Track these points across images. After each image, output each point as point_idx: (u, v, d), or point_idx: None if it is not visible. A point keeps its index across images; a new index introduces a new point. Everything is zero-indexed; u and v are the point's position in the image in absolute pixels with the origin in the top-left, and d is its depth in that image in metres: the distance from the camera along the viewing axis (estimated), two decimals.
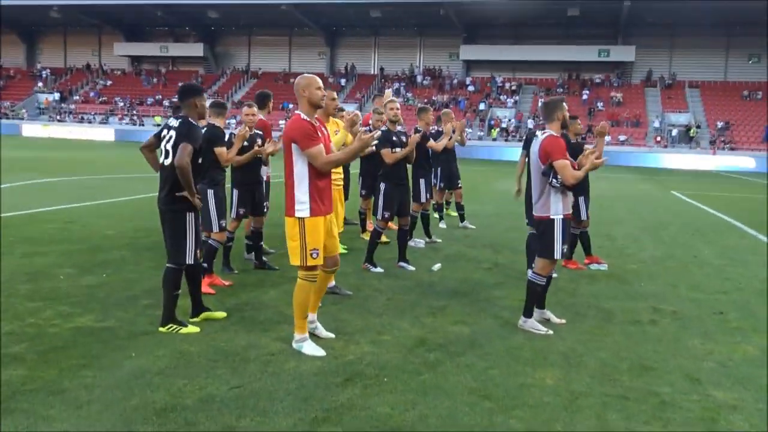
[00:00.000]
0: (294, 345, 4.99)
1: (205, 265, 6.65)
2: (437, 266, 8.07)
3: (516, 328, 5.69)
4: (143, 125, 53.40)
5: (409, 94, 53.84)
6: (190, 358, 4.71)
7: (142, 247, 8.71)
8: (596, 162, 5.55)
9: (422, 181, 9.25)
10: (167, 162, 5.38)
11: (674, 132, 45.60)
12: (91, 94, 60.04)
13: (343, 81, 56.69)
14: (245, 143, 7.17)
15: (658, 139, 45.17)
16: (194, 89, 5.56)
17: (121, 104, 56.99)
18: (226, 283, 6.91)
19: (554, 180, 5.38)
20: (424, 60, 57.87)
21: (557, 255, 5.52)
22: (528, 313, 5.69)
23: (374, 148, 7.67)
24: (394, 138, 7.88)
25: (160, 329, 5.31)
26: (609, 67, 53.24)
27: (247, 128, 7.15)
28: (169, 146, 5.38)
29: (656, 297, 7.02)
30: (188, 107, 5.46)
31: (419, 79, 55.96)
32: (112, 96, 58.43)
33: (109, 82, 61.81)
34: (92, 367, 4.48)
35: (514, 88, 53.82)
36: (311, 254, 4.91)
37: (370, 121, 9.14)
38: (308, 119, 4.94)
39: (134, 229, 10.11)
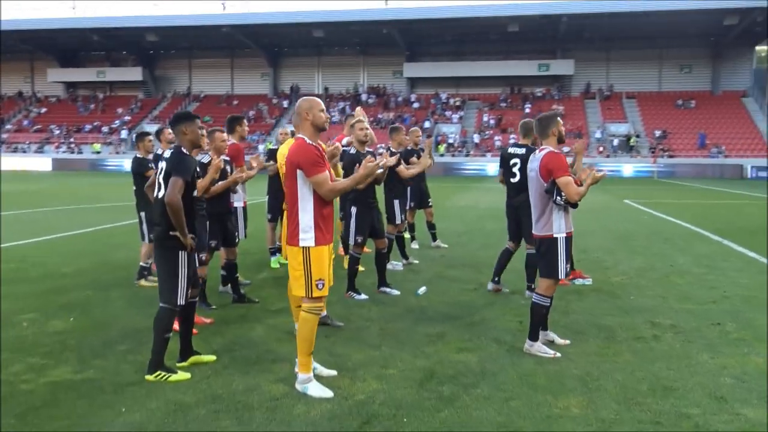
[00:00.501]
0: (298, 386, 4.63)
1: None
2: (423, 289, 7.80)
3: (522, 353, 5.46)
4: (81, 153, 51.68)
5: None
6: (187, 410, 4.29)
7: (107, 285, 8.16)
8: (597, 176, 5.41)
9: (397, 203, 8.98)
10: (160, 195, 5.00)
11: (615, 142, 46.86)
12: (25, 122, 57.83)
13: (286, 102, 56.20)
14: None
15: (601, 149, 46.28)
16: (183, 116, 5.19)
17: (57, 132, 55.04)
18: (207, 321, 6.48)
19: (558, 198, 5.21)
20: (368, 78, 58.04)
21: (561, 274, 5.33)
22: (534, 336, 5.47)
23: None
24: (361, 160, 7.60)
25: (147, 377, 4.85)
26: (549, 80, 54.50)
27: (221, 158, 6.72)
28: (161, 178, 5.00)
29: (650, 310, 6.92)
30: (178, 135, 5.09)
31: (364, 97, 55.98)
32: (47, 124, 56.42)
33: (43, 110, 59.70)
34: (80, 429, 4.02)
35: (458, 103, 54.42)
36: (317, 285, 4.61)
37: (344, 141, 8.83)
38: (313, 144, 4.64)
39: (93, 265, 9.51)
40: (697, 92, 52.02)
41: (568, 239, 5.34)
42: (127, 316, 6.74)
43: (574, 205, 5.28)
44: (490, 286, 7.78)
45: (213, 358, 5.34)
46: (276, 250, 9.53)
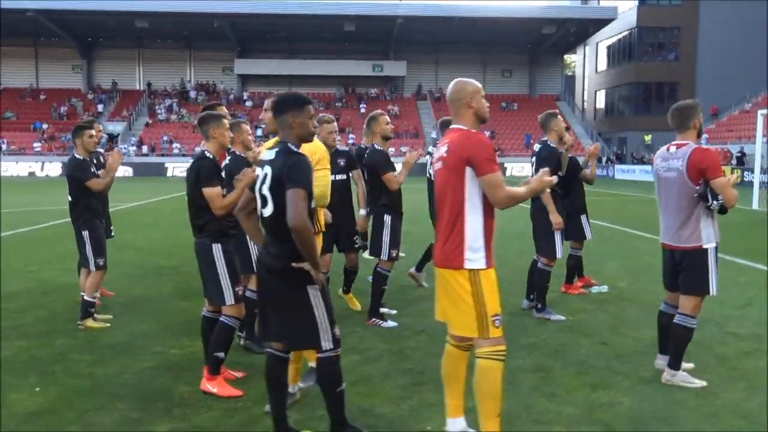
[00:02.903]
0: None
1: (222, 355, 4.56)
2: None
3: (667, 390, 4.57)
4: None
5: (183, 111, 50.28)
6: None
7: (46, 331, 6.06)
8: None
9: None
10: (267, 212, 3.52)
11: None
12: None
13: (103, 98, 51.10)
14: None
15: None
16: (294, 100, 3.65)
17: None
18: (238, 375, 4.85)
19: (715, 202, 4.43)
20: (196, 74, 54.60)
21: (714, 290, 4.57)
22: (677, 365, 4.66)
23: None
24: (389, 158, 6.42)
25: None
26: (382, 81, 55.05)
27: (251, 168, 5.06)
28: (265, 190, 3.50)
29: (710, 320, 6.38)
30: (283, 127, 3.58)
31: (193, 94, 52.57)
32: None
33: None
34: None
35: None
36: (494, 322, 3.45)
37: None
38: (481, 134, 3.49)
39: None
40: (517, 95, 55.45)
41: (717, 249, 4.60)
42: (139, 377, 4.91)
43: (725, 211, 4.55)
44: (525, 303, 6.87)
45: None
46: None
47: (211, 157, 4.60)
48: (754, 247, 10.84)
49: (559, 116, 6.99)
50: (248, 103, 52.45)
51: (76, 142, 6.25)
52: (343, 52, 53.51)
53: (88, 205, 6.14)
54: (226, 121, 4.82)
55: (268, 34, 51.52)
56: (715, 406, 4.26)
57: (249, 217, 3.84)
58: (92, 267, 6.14)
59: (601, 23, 48.49)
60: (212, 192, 4.51)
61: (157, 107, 50.66)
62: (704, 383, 4.62)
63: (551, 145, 6.60)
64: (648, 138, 48.73)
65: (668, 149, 4.68)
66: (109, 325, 6.17)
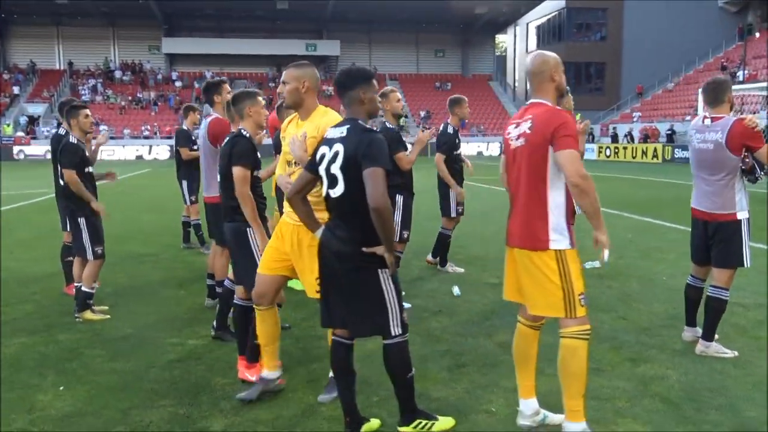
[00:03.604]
0: None
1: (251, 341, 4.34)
2: (456, 289, 6.68)
3: (705, 361, 4.67)
4: None
5: (109, 92, 48.20)
6: None
7: (48, 324, 5.64)
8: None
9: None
10: (336, 193, 3.33)
11: None
12: None
13: (20, 78, 48.28)
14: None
15: None
16: (363, 74, 3.47)
17: None
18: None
19: (761, 172, 4.53)
20: (120, 53, 52.29)
21: (748, 262, 4.69)
22: (711, 336, 4.77)
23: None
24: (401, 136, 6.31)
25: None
26: (316, 61, 54.06)
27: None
28: (336, 169, 3.30)
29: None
30: (352, 103, 3.39)
31: (118, 74, 50.40)
32: None
33: None
34: None
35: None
36: (580, 300, 3.40)
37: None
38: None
39: None
40: (450, 75, 55.89)
41: (749, 221, 4.72)
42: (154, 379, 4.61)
43: (755, 180, 4.66)
44: None
45: (377, 423, 3.73)
46: None
47: (247, 136, 4.38)
48: None
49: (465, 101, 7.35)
50: (178, 83, 50.80)
51: (71, 122, 5.79)
52: (275, 30, 52.42)
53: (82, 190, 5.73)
54: (261, 99, 4.64)
55: (196, 11, 49.85)
56: (758, 375, 4.38)
57: (305, 201, 3.64)
58: (90, 256, 5.75)
59: (532, 3, 49.37)
60: (240, 173, 4.29)
61: (80, 88, 48.28)
62: (736, 353, 4.75)
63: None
64: (579, 117, 50.08)
65: (703, 121, 4.74)
66: (108, 316, 5.82)
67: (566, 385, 3.42)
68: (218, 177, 5.52)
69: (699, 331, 5.03)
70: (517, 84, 61.00)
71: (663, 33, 47.69)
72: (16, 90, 46.56)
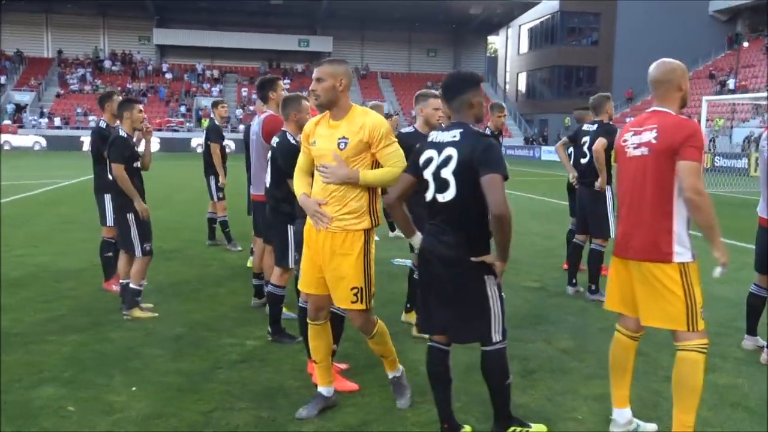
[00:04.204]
0: None
1: (335, 346, 4.27)
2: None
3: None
4: None
5: (98, 81, 47.60)
6: None
7: (87, 326, 5.51)
8: None
9: None
10: (445, 198, 3.27)
11: None
12: None
13: (7, 65, 47.49)
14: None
15: None
16: (472, 77, 3.46)
17: None
18: (343, 366, 4.58)
19: None
20: (110, 43, 51.66)
21: None
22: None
23: None
24: None
25: None
26: (309, 56, 54.04)
27: None
28: (447, 174, 3.27)
29: (726, 300, 6.60)
30: (462, 107, 3.37)
31: (107, 64, 49.78)
32: None
33: None
34: None
35: (216, 76, 51.25)
36: (701, 313, 3.38)
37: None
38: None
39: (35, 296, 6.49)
40: (442, 75, 55.39)
41: None
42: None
43: None
44: (570, 290, 6.87)
45: (470, 429, 3.68)
46: None
47: (290, 139, 4.68)
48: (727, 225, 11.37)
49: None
50: (168, 75, 50.33)
51: (124, 115, 5.66)
52: (267, 25, 52.08)
53: (132, 185, 5.61)
54: (306, 103, 4.84)
55: (189, 3, 49.32)
56: None
57: (404, 205, 3.61)
58: (138, 252, 5.63)
59: (526, 6, 49.57)
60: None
61: (68, 77, 47.62)
62: None
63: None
64: (567, 120, 50.42)
65: None
66: (157, 314, 5.71)
67: (681, 398, 3.36)
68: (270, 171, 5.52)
69: (760, 340, 5.06)
70: (507, 86, 61.30)
71: (654, 39, 48.02)
72: (2, 80, 45.76)
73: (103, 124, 6.59)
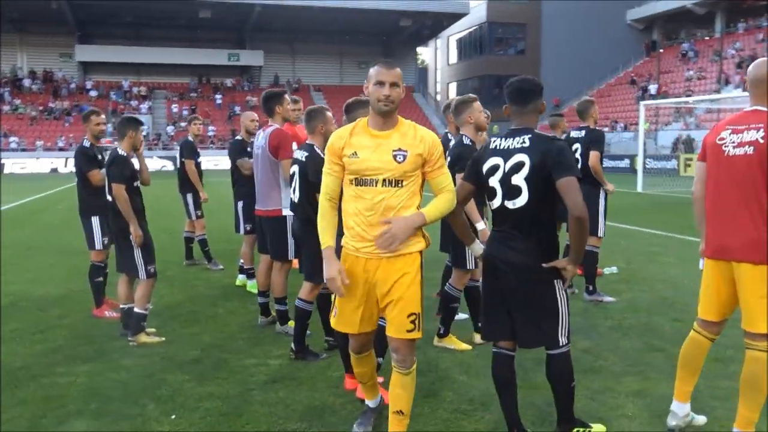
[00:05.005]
0: None
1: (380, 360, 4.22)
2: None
3: None
4: None
5: (17, 101, 45.45)
6: None
7: (87, 356, 5.21)
8: None
9: None
10: (517, 204, 3.32)
11: None
12: None
13: None
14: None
15: None
16: (540, 85, 3.51)
17: None
18: (378, 379, 4.52)
19: None
20: (29, 61, 49.38)
21: None
22: None
23: None
24: None
25: None
26: (239, 71, 53.34)
27: None
28: (519, 179, 3.30)
29: None
30: (530, 113, 3.45)
31: (27, 83, 47.56)
32: None
33: None
34: None
35: (144, 93, 49.80)
36: None
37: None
38: None
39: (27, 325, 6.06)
40: None
41: None
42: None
43: None
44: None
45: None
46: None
47: (319, 152, 4.61)
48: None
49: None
50: (92, 93, 48.52)
51: (128, 134, 5.42)
52: (195, 40, 50.96)
53: (133, 205, 5.37)
54: (330, 114, 4.86)
55: (112, 18, 47.69)
56: None
57: (463, 213, 3.62)
58: (142, 275, 5.39)
59: (455, 17, 50.50)
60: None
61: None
62: None
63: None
64: (495, 129, 51.64)
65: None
66: (164, 338, 5.48)
67: (748, 397, 3.43)
68: (281, 187, 5.43)
69: None
70: (439, 96, 62.23)
71: (578, 48, 50.00)
72: None
73: (87, 144, 6.32)
